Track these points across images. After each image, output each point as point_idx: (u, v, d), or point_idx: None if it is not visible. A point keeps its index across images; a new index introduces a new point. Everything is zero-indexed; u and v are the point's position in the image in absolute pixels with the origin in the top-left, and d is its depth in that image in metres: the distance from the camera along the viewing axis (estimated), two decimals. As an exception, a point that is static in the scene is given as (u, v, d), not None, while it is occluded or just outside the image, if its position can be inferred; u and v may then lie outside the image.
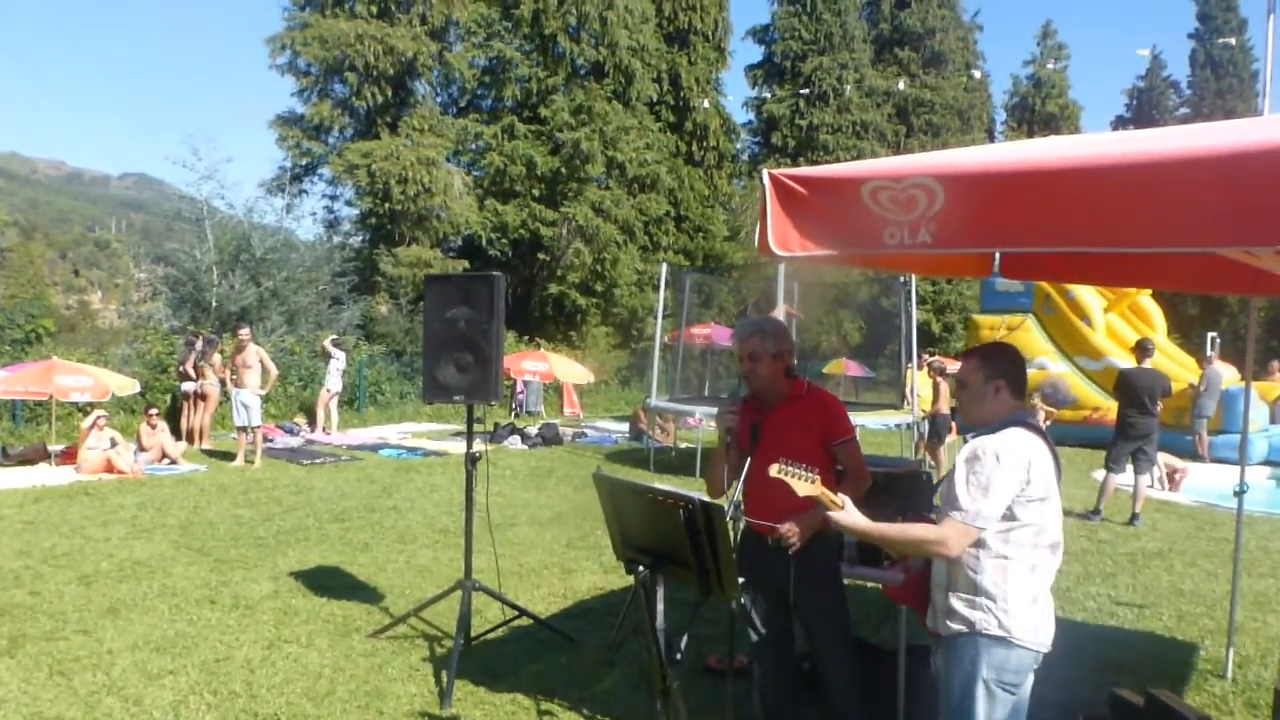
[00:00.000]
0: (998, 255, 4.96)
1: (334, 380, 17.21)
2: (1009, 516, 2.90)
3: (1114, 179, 2.68)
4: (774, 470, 3.05)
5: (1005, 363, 3.12)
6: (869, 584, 5.25)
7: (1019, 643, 2.93)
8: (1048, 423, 14.61)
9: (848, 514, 3.04)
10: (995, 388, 3.07)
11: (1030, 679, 3.03)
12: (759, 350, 3.83)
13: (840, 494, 3.08)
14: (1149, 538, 9.24)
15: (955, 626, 3.00)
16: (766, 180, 3.29)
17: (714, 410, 7.17)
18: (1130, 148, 2.80)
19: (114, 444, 12.10)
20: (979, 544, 2.92)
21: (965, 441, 3.07)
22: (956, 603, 2.99)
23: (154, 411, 13.54)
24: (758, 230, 3.39)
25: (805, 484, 3.06)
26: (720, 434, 3.98)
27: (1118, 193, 2.67)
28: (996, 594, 2.92)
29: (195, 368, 15.20)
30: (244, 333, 13.54)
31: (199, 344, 15.53)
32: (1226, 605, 5.89)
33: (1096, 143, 3.05)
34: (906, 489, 4.58)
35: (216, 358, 15.22)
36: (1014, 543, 2.92)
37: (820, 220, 3.24)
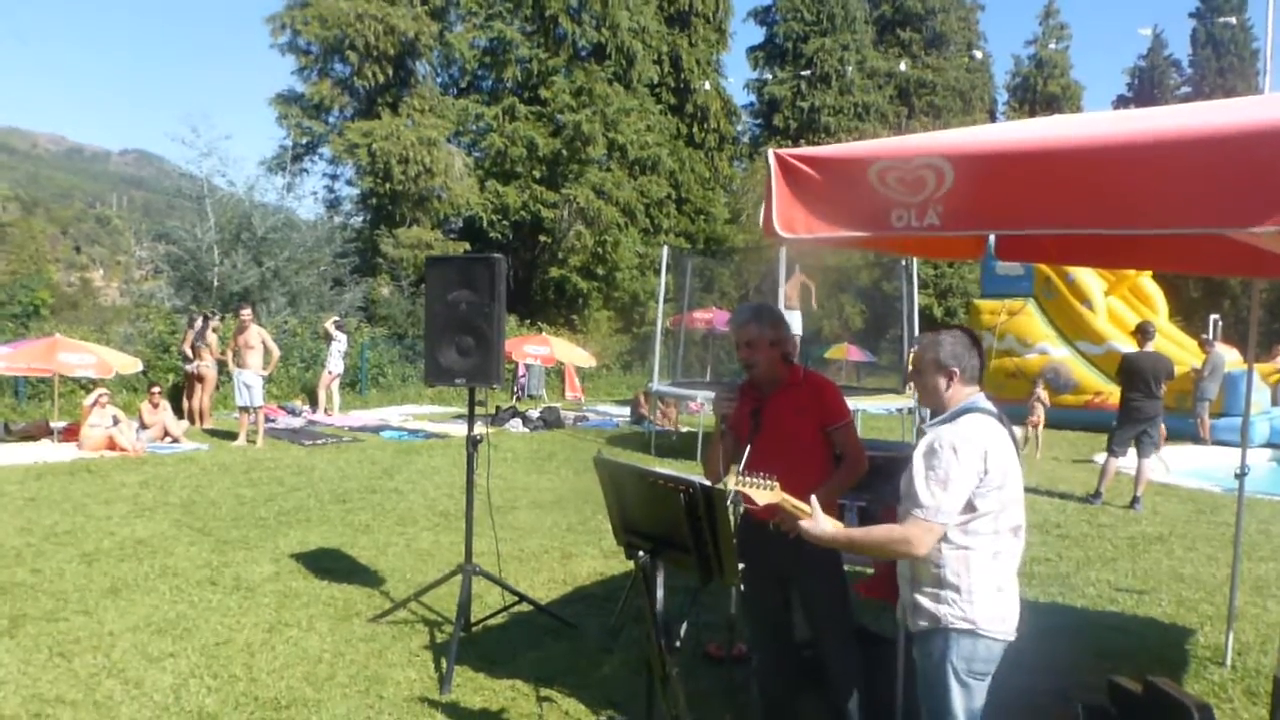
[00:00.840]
0: (992, 237, 4.90)
1: (335, 362, 17.21)
2: (969, 507, 2.88)
3: (1130, 159, 2.63)
4: (731, 483, 2.99)
5: (957, 349, 3.05)
6: (870, 571, 5.25)
7: (986, 633, 2.93)
8: (1045, 400, 14.63)
9: (815, 523, 3.00)
10: (947, 376, 3.03)
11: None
12: (756, 337, 3.80)
13: (810, 501, 3.03)
14: (1149, 522, 9.24)
15: (923, 623, 3.00)
16: (772, 160, 3.22)
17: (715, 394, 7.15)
18: (1146, 125, 2.74)
19: (116, 422, 12.12)
20: (940, 537, 2.90)
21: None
22: (922, 598, 2.99)
23: (157, 390, 13.55)
24: (762, 212, 3.33)
25: (765, 492, 3.00)
26: (716, 421, 3.97)
27: (1135, 173, 2.61)
28: (961, 586, 2.91)
29: (193, 348, 15.16)
30: (245, 313, 13.52)
31: (199, 323, 15.51)
32: (1226, 590, 5.89)
33: (1109, 121, 2.98)
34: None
35: (213, 338, 15.15)
36: (974, 532, 2.90)
37: (826, 201, 3.18)
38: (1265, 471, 12.95)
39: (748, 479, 2.99)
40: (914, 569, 3.01)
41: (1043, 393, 14.36)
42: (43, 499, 9.03)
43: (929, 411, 3.22)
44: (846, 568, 4.13)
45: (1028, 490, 3.20)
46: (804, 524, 3.01)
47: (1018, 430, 3.22)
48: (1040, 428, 13.84)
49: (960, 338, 3.09)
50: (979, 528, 2.89)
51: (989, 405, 3.03)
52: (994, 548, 2.92)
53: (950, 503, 2.83)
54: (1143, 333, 10.26)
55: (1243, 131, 2.51)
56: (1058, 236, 4.80)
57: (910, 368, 3.31)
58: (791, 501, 3.02)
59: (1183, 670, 5.23)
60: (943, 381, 3.04)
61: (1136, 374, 9.91)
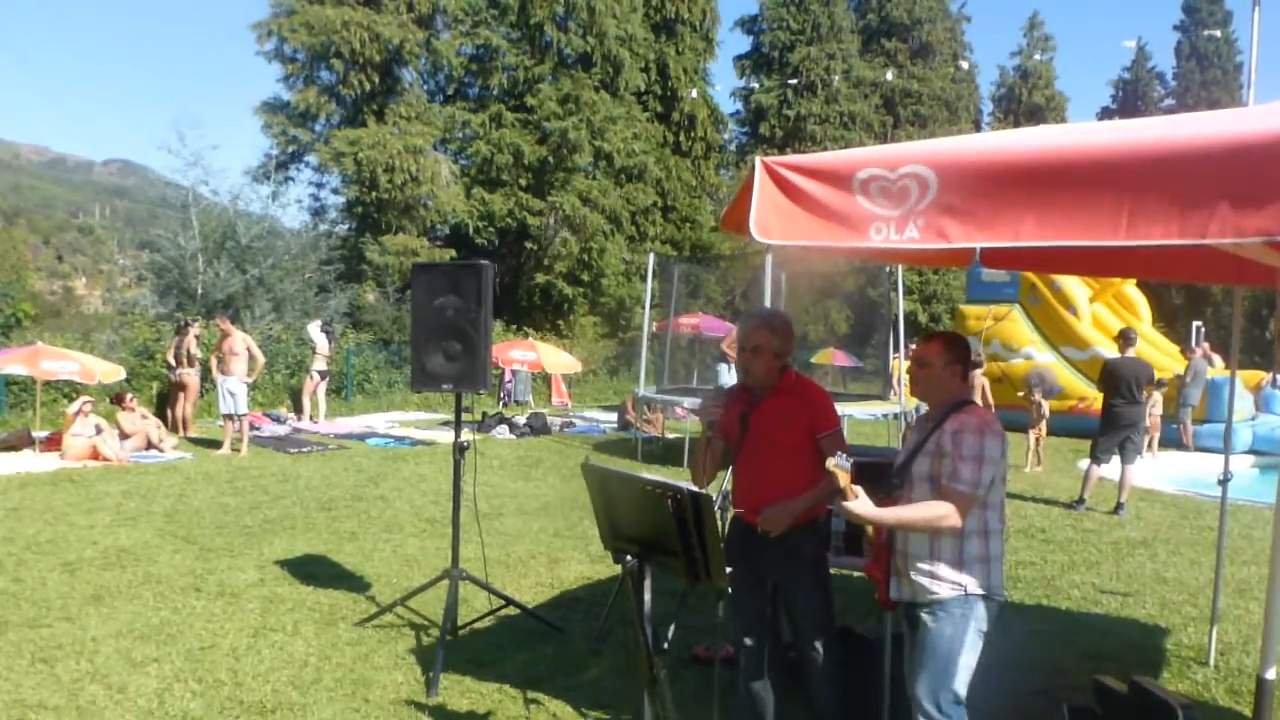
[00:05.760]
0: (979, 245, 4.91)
1: (319, 362, 17.07)
2: (989, 483, 3.21)
3: (1111, 171, 2.63)
4: (830, 464, 3.09)
5: (964, 349, 3.48)
6: (856, 574, 5.27)
7: (996, 596, 3.30)
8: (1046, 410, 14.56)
9: (862, 503, 3.19)
10: (953, 372, 3.40)
11: None
12: (763, 344, 3.78)
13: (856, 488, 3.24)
14: (1133, 526, 9.30)
15: (943, 591, 3.24)
16: (758, 166, 3.21)
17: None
18: (1132, 137, 2.75)
19: (99, 431, 12.02)
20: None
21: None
22: (945, 568, 3.24)
23: (130, 397, 13.36)
24: (730, 208, 3.36)
25: (845, 474, 3.17)
26: (703, 427, 3.97)
27: (1117, 185, 2.61)
28: (980, 555, 3.25)
29: (175, 356, 15.07)
30: (219, 320, 13.47)
31: (182, 330, 15.40)
32: (1209, 593, 5.94)
33: (1088, 132, 2.99)
34: (889, 477, 4.58)
35: (191, 341, 15.04)
36: (990, 505, 3.27)
37: (807, 210, 3.14)
38: (1248, 477, 13.04)
39: (841, 464, 3.12)
40: (933, 544, 3.27)
41: (1043, 401, 13.93)
42: (25, 509, 8.95)
43: (913, 411, 3.40)
44: (834, 570, 4.14)
45: (1012, 496, 3.37)
46: (849, 504, 3.18)
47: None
48: (1043, 440, 13.42)
49: (965, 340, 3.56)
50: (993, 501, 3.27)
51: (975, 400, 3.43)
52: (1001, 521, 3.32)
53: (985, 475, 3.18)
54: (1124, 339, 10.34)
55: (1226, 144, 2.52)
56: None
57: (913, 363, 3.53)
58: (851, 486, 3.20)
59: (1167, 670, 5.28)
60: (949, 374, 3.40)
61: (1119, 379, 9.98)
